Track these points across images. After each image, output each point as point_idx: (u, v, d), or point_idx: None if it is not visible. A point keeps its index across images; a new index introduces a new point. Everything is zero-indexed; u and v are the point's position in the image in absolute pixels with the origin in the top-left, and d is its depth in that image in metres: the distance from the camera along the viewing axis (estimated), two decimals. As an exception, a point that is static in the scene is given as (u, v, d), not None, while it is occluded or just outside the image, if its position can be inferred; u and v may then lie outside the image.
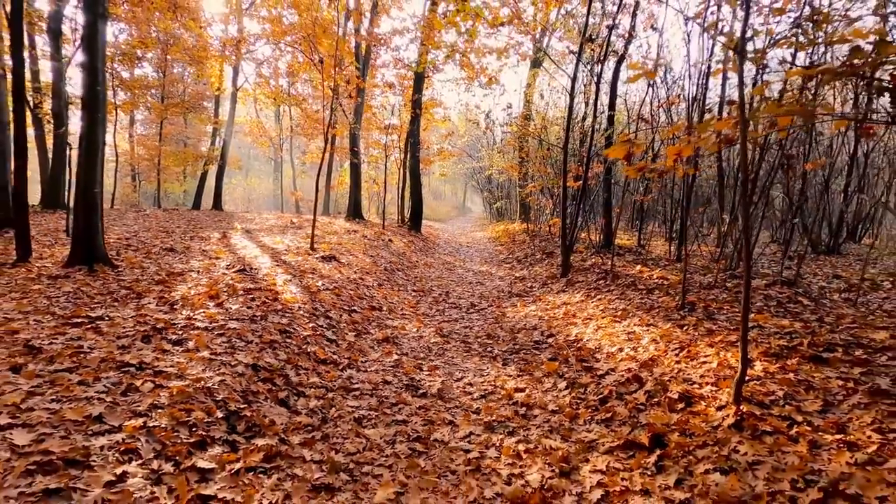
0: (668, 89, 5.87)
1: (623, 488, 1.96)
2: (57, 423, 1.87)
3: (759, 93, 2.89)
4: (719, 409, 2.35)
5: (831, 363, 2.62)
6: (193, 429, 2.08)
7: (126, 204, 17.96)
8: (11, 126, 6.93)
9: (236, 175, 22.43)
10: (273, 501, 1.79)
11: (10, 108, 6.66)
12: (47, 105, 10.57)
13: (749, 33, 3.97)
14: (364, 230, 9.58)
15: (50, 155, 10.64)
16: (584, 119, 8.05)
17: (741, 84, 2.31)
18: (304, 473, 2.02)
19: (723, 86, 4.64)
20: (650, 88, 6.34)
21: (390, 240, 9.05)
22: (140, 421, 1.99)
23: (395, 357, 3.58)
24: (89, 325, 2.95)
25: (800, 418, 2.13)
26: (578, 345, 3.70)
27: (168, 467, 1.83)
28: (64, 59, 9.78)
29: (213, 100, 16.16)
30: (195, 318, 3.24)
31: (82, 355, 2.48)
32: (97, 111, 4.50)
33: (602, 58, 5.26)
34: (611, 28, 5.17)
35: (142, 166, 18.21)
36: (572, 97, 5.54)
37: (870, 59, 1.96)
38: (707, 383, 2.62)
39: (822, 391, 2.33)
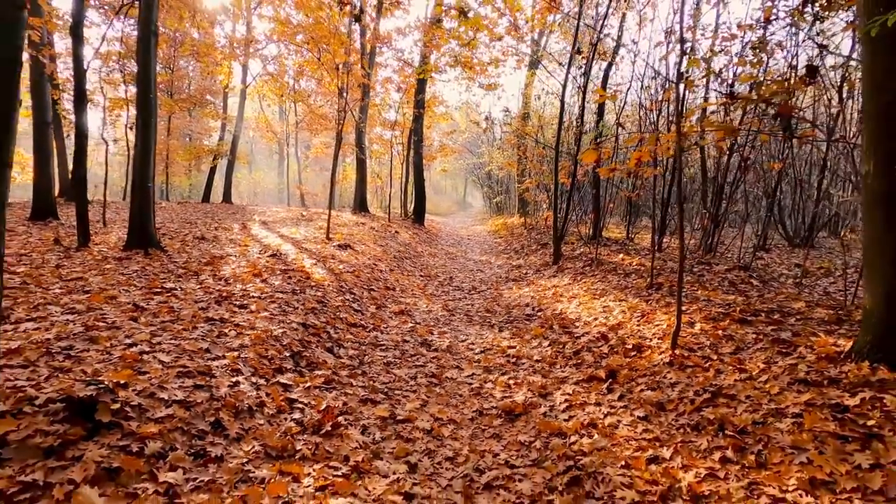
0: (651, 96, 6.64)
1: (582, 402, 2.79)
2: (181, 352, 2.68)
3: (690, 115, 3.66)
4: (660, 353, 3.17)
5: (753, 323, 3.44)
6: (271, 361, 2.90)
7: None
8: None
9: (241, 169, 23.14)
10: (336, 405, 2.62)
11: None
12: (67, 103, 11.26)
13: (709, 54, 4.73)
14: (371, 223, 10.37)
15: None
16: (578, 118, 8.81)
17: (679, 105, 3.10)
18: (353, 392, 2.85)
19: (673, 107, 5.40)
20: (638, 94, 7.10)
21: (397, 231, 9.85)
22: (235, 353, 2.80)
23: (411, 325, 4.40)
24: (168, 293, 3.75)
25: (714, 357, 2.96)
26: (562, 316, 4.52)
27: (262, 381, 2.65)
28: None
29: (222, 95, 16.84)
30: (248, 290, 4.05)
31: (176, 312, 3.29)
32: (150, 116, 5.27)
33: (587, 70, 6.04)
34: (595, 45, 5.95)
35: (149, 160, 18.87)
36: (563, 102, 6.32)
37: (763, 92, 2.76)
38: (655, 337, 3.44)
39: (738, 341, 3.16)
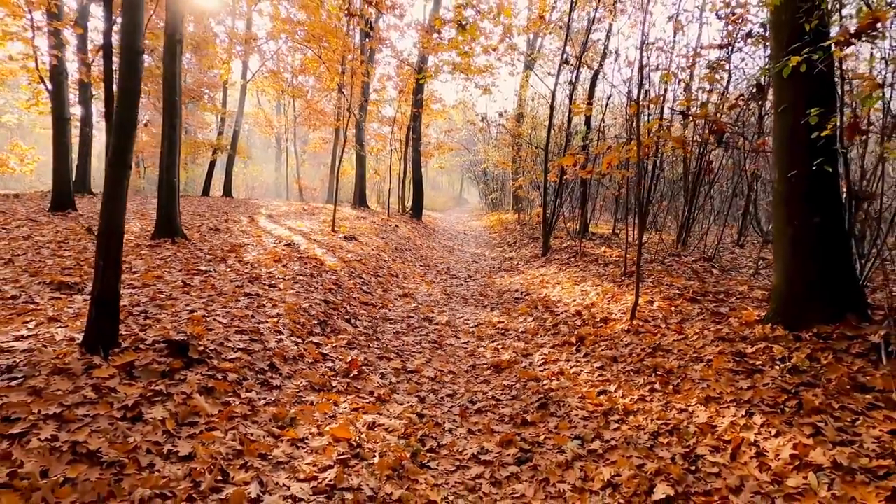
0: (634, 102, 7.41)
1: (555, 359, 3.56)
2: (233, 317, 3.40)
3: (650, 127, 4.41)
4: (621, 324, 3.95)
5: (701, 302, 4.23)
6: (304, 326, 3.63)
7: (132, 190, 19.13)
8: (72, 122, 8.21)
9: (237, 163, 23.54)
10: (358, 359, 3.36)
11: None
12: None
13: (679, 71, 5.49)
14: (371, 217, 11.06)
15: (76, 146, 11.85)
16: (569, 120, 9.58)
17: (638, 120, 3.86)
18: (371, 351, 3.59)
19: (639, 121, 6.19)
20: (623, 98, 7.85)
21: (396, 226, 10.57)
22: (275, 319, 3.53)
23: (414, 305, 5.15)
24: (206, 275, 4.45)
25: (663, 325, 3.74)
26: (546, 298, 5.29)
27: (299, 340, 3.38)
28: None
29: (220, 89, 17.32)
30: (273, 273, 4.76)
31: (217, 289, 4.00)
32: (175, 117, 5.92)
33: (573, 80, 6.79)
34: (579, 57, 6.69)
35: (146, 153, 19.34)
36: (552, 108, 7.06)
37: (701, 112, 3.52)
38: (620, 312, 4.23)
39: (685, 314, 3.94)
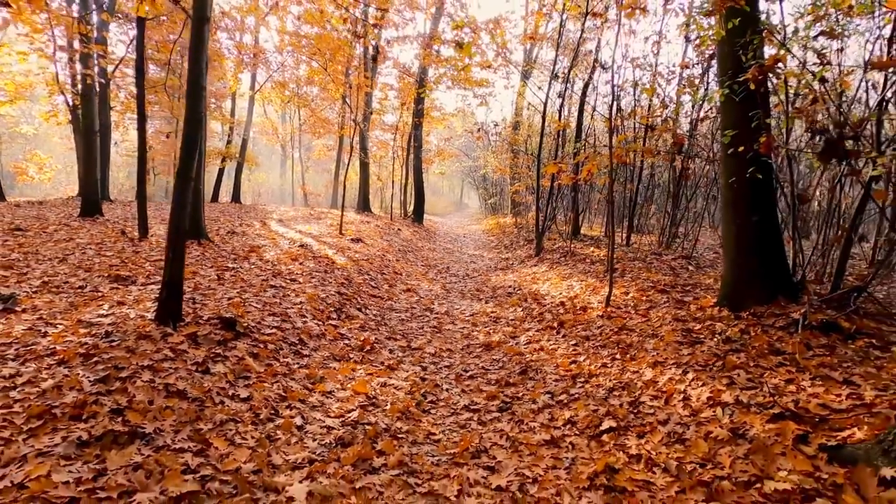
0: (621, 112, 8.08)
1: (538, 339, 4.21)
2: (264, 303, 4.07)
3: (621, 139, 5.05)
4: (598, 311, 4.60)
5: (669, 292, 4.87)
6: (323, 312, 4.30)
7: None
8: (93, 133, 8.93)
9: (244, 170, 24.41)
10: (370, 338, 4.01)
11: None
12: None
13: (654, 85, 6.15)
14: (375, 221, 11.76)
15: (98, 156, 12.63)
16: (560, 132, 10.28)
17: (611, 134, 4.53)
18: (380, 333, 4.25)
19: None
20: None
21: (399, 229, 11.26)
22: (299, 306, 4.19)
23: (416, 298, 5.81)
24: (233, 271, 5.13)
25: (632, 311, 4.38)
26: (535, 292, 5.94)
27: (320, 322, 4.05)
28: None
29: (227, 99, 18.18)
30: (292, 270, 5.44)
31: (246, 281, 4.67)
32: (199, 129, 6.62)
33: (563, 92, 7.49)
34: (567, 72, 7.41)
35: (157, 161, 20.21)
36: (544, 118, 7.76)
37: (663, 127, 4.19)
38: (598, 302, 4.87)
39: (653, 302, 4.58)
